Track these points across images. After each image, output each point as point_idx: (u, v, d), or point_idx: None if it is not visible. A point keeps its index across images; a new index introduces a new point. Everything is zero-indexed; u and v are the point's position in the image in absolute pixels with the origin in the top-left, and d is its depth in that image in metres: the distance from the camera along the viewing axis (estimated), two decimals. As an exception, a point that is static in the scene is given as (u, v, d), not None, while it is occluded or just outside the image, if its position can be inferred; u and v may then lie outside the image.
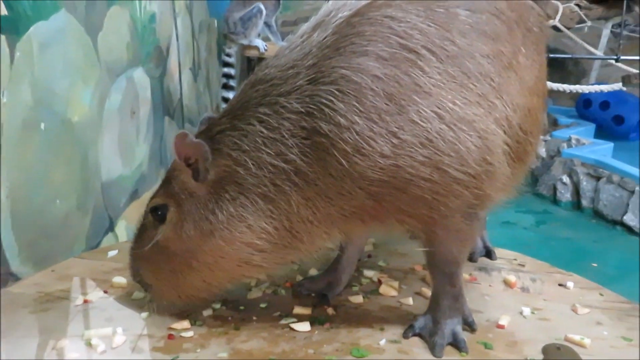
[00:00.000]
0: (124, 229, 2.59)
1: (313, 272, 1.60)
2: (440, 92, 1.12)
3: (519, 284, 1.55)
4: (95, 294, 1.46)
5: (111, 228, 2.46)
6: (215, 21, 5.27)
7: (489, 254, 1.72)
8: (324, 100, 1.12)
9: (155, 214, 1.30)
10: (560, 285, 1.55)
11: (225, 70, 4.92)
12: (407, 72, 1.11)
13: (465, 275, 1.54)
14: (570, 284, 1.54)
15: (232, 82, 4.91)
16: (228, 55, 4.90)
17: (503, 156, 1.23)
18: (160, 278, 1.33)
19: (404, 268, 1.63)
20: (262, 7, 4.94)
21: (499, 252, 1.74)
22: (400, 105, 1.10)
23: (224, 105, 4.91)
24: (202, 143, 1.21)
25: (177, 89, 3.74)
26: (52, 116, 1.93)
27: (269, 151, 1.17)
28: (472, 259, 1.67)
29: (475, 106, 1.15)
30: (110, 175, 2.45)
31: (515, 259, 1.71)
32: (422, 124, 1.10)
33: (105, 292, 1.48)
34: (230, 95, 4.90)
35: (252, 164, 1.19)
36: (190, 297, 1.34)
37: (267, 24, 5.07)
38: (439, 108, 1.11)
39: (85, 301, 1.43)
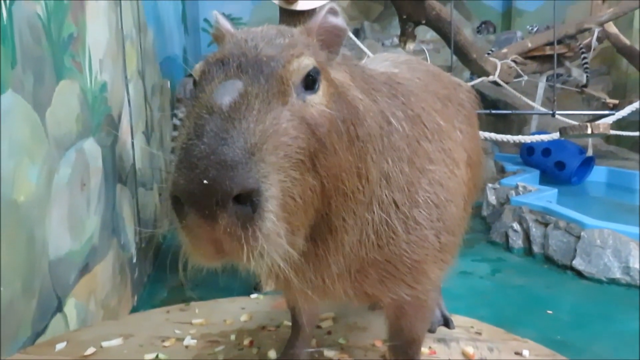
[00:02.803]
0: (74, 307, 2.47)
1: (272, 355, 1.57)
2: (440, 165, 1.20)
3: (477, 355, 1.57)
4: (41, 397, 1.38)
5: (59, 308, 2.33)
6: (168, 82, 5.29)
7: (447, 322, 1.75)
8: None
9: (308, 77, 0.93)
10: (516, 353, 1.59)
11: (175, 134, 4.91)
12: (420, 140, 1.18)
13: (425, 350, 1.55)
14: (525, 352, 1.58)
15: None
16: (181, 119, 4.91)
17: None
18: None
19: (365, 345, 1.63)
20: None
21: (456, 319, 1.77)
22: (422, 168, 1.16)
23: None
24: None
25: (130, 154, 3.69)
26: (-4, 200, 1.86)
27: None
28: (431, 329, 1.69)
29: (454, 180, 1.23)
30: (59, 252, 2.35)
31: (472, 327, 1.75)
32: (433, 188, 1.16)
33: (52, 393, 1.40)
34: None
35: None
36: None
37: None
38: (441, 178, 1.19)
39: (30, 406, 1.34)
